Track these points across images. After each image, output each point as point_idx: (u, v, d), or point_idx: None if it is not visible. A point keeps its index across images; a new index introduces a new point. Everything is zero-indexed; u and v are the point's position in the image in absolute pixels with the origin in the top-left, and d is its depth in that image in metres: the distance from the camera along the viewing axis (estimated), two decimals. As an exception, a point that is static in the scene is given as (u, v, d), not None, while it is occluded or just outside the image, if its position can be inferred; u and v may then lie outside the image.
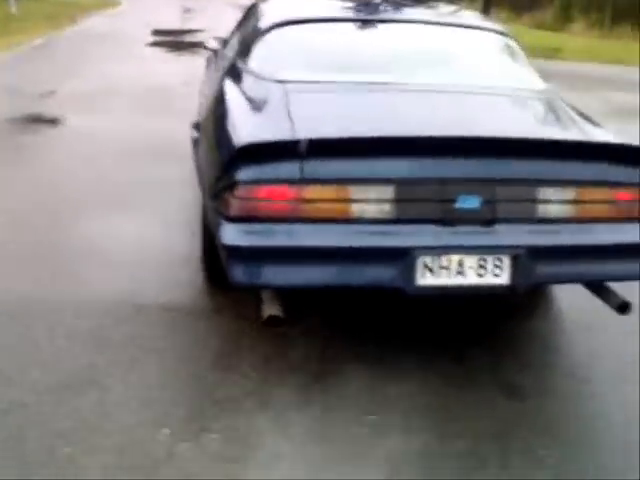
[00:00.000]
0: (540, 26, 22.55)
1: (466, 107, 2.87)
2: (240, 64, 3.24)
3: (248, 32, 3.59)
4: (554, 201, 2.42)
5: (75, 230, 3.80)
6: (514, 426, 2.38)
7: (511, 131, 2.53)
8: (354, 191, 2.29)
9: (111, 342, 2.74)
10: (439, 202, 2.32)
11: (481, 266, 2.36)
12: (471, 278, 2.36)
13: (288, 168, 2.24)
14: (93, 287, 3.18)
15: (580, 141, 2.55)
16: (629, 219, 2.49)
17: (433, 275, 2.34)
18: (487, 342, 2.94)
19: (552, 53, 14.09)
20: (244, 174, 2.26)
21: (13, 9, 16.68)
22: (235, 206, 2.26)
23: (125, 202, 4.25)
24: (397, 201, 2.30)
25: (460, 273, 2.35)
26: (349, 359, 2.72)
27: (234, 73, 3.23)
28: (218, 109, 2.98)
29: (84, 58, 10.51)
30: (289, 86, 2.83)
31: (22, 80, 8.51)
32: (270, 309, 2.36)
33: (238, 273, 2.31)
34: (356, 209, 2.30)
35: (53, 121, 6.40)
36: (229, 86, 3.16)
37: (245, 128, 2.57)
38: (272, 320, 2.33)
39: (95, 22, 17.12)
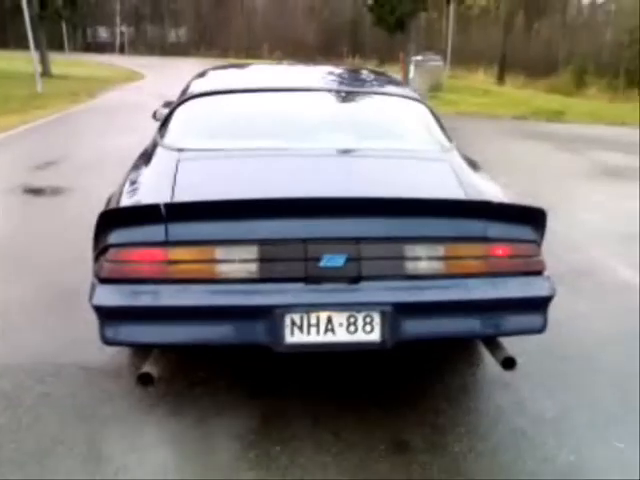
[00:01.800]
0: (555, 90, 22.85)
1: (347, 170, 2.94)
2: (156, 134, 3.39)
3: (170, 105, 3.78)
4: (422, 258, 2.44)
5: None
6: None
7: (378, 191, 2.58)
8: (219, 252, 2.36)
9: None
10: (303, 261, 2.36)
11: (351, 323, 2.37)
12: (342, 335, 2.38)
13: (154, 231, 2.34)
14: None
15: (447, 199, 2.58)
16: (505, 274, 2.50)
17: (302, 333, 2.36)
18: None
19: (555, 116, 14.23)
20: (114, 238, 2.36)
21: (39, 87, 17.52)
22: (106, 268, 2.35)
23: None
24: (262, 260, 2.36)
25: (330, 330, 2.37)
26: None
27: (151, 144, 3.38)
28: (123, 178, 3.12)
29: (89, 131, 11.07)
30: (184, 154, 2.98)
31: (27, 152, 8.95)
32: (146, 367, 2.41)
33: (108, 332, 2.39)
34: (222, 269, 2.36)
35: (40, 190, 6.66)
36: (140, 156, 3.36)
37: (127, 195, 2.73)
38: (144, 377, 2.38)
39: (113, 96, 17.92)
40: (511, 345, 2.66)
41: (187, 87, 3.87)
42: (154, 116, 4.55)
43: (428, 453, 2.54)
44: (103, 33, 56.55)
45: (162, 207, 2.31)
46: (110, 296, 2.34)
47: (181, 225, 2.35)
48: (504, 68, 26.34)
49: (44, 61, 23.18)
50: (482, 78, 27.16)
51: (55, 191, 6.64)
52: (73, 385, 2.97)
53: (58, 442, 2.56)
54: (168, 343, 2.45)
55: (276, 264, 2.37)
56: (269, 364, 3.08)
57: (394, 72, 24.88)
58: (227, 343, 2.47)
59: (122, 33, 54.07)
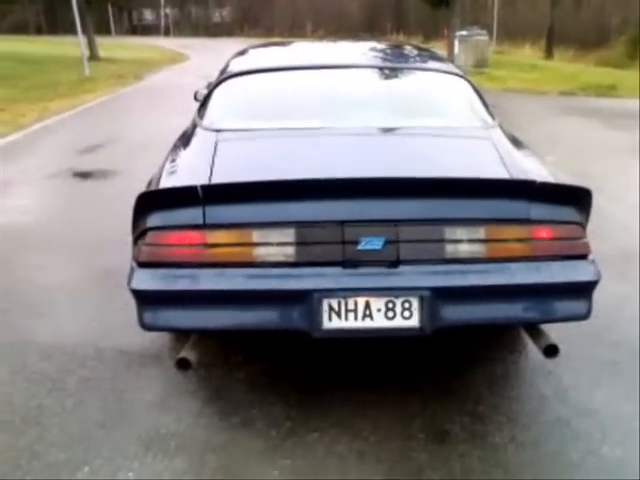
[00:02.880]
0: (607, 63, 22.12)
1: (386, 149, 2.90)
2: (195, 115, 3.39)
3: (209, 86, 3.76)
4: (462, 240, 2.37)
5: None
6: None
7: (417, 171, 2.52)
8: (256, 235, 2.34)
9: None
10: (341, 244, 2.32)
11: (389, 308, 2.34)
12: (380, 321, 2.34)
13: (192, 214, 2.33)
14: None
15: (487, 178, 2.50)
16: (548, 258, 2.42)
17: (340, 318, 2.33)
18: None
19: (606, 91, 13.78)
20: (152, 221, 2.36)
21: (86, 71, 17.83)
22: (144, 252, 2.36)
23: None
24: (299, 244, 2.33)
25: (368, 316, 2.34)
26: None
27: (191, 125, 3.38)
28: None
29: (135, 113, 11.25)
30: (222, 135, 2.97)
31: (75, 136, 9.14)
32: (184, 352, 2.42)
33: (147, 317, 2.40)
34: (259, 253, 2.34)
35: (88, 174, 6.79)
36: (180, 137, 3.34)
37: (166, 177, 2.72)
38: (182, 362, 2.39)
39: (158, 78, 18.15)
40: (554, 331, 2.59)
41: (226, 66, 3.85)
42: (195, 97, 4.55)
43: (468, 443, 2.50)
44: (148, 15, 56.97)
45: (199, 189, 2.29)
46: (148, 280, 2.34)
47: (218, 207, 2.34)
48: (552, 41, 25.53)
49: (91, 45, 23.52)
50: (529, 52, 26.45)
51: (102, 174, 6.74)
52: (113, 369, 3.01)
53: (100, 426, 2.60)
54: (206, 328, 2.45)
55: (313, 247, 2.34)
56: (307, 349, 3.06)
57: (439, 48, 24.51)
58: (264, 328, 2.46)
59: (167, 15, 54.32)
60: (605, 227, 4.72)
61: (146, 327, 2.42)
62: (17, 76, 16.49)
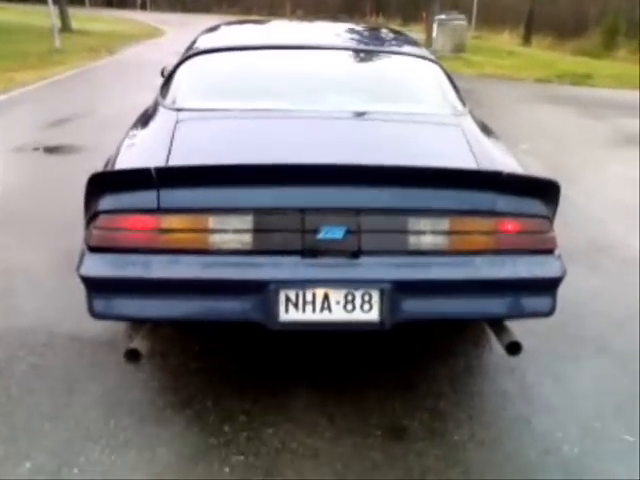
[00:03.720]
0: (583, 52, 22.19)
1: (352, 134, 2.80)
2: (158, 94, 3.25)
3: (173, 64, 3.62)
4: (426, 232, 2.29)
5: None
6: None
7: (383, 158, 2.43)
8: (212, 221, 2.23)
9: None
10: (301, 233, 2.23)
11: (349, 301, 2.25)
12: (338, 314, 2.25)
13: (145, 198, 2.21)
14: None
15: (453, 168, 2.40)
16: (514, 251, 2.35)
17: (297, 310, 2.24)
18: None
19: (581, 79, 13.81)
20: (104, 204, 2.24)
21: (57, 43, 17.37)
22: (95, 236, 2.24)
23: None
24: (256, 231, 2.23)
25: (326, 308, 2.25)
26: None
27: (153, 103, 3.24)
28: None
29: (106, 87, 11.02)
30: (183, 114, 2.85)
31: (42, 109, 8.91)
32: (134, 342, 2.32)
33: (97, 305, 2.28)
34: (215, 240, 2.24)
35: (54, 148, 6.59)
36: (140, 116, 3.20)
37: (122, 157, 2.60)
38: (131, 354, 2.28)
39: (131, 52, 17.79)
40: (519, 325, 2.54)
41: (193, 43, 3.70)
42: (162, 74, 4.38)
43: (426, 440, 2.44)
44: (125, -12, 55.79)
45: (153, 171, 2.18)
46: (98, 266, 2.22)
47: (174, 191, 2.22)
48: (531, 29, 25.54)
49: (64, 16, 22.95)
50: (507, 39, 26.42)
51: (68, 149, 6.55)
52: (65, 357, 2.89)
53: (46, 418, 2.49)
54: (158, 318, 2.34)
55: (272, 235, 2.24)
56: (265, 340, 2.97)
57: (417, 32, 24.41)
58: (219, 319, 2.36)
59: (144, -12, 53.29)
60: (575, 217, 4.69)
61: (96, 315, 2.30)
62: (-16, 45, 16.03)
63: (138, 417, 2.51)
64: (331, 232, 2.23)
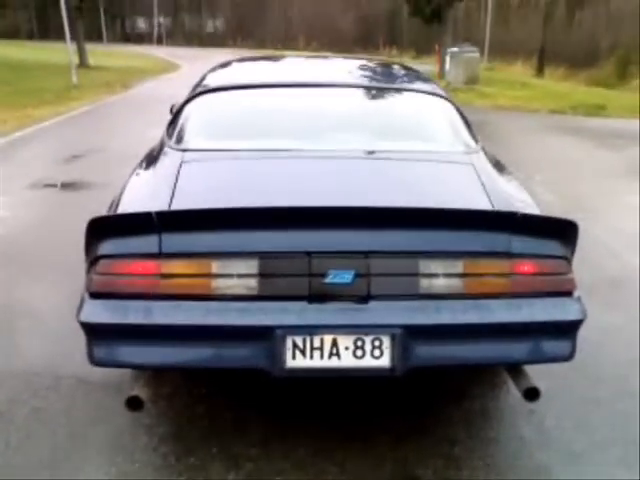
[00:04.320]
0: (597, 82, 22.17)
1: (362, 174, 2.73)
2: (164, 133, 3.21)
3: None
4: (438, 275, 2.21)
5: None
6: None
7: (393, 199, 2.37)
8: (215, 265, 2.17)
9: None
10: (308, 277, 2.16)
11: (358, 347, 2.16)
12: (347, 360, 2.17)
13: (147, 242, 2.15)
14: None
15: (465, 209, 2.32)
16: (531, 294, 2.25)
17: (304, 356, 2.16)
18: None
19: (595, 110, 13.73)
20: (104, 248, 2.18)
21: (74, 79, 17.64)
22: (96, 282, 2.18)
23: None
24: (262, 275, 2.16)
25: (335, 354, 2.17)
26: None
27: (158, 143, 3.20)
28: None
29: (120, 122, 11.10)
30: (188, 155, 2.80)
31: (56, 145, 9.00)
32: (135, 390, 2.24)
33: (96, 352, 2.21)
34: (218, 285, 2.17)
35: (66, 185, 6.60)
36: (145, 156, 3.17)
37: (125, 200, 2.56)
38: (133, 401, 2.20)
39: (147, 87, 17.96)
40: (537, 366, 2.45)
41: (201, 80, 3.67)
42: (171, 111, 4.34)
43: (440, 491, 2.33)
44: (141, 24, 56.97)
45: (154, 216, 2.13)
46: (99, 312, 2.16)
47: (175, 235, 2.17)
48: (544, 60, 25.58)
49: (81, 52, 23.38)
50: (520, 70, 26.47)
51: (80, 186, 6.55)
52: (69, 400, 2.82)
53: (44, 466, 2.41)
54: (159, 365, 2.26)
55: (277, 280, 2.17)
56: (273, 383, 2.87)
57: (430, 64, 24.52)
58: (223, 366, 2.29)
59: (160, 24, 54.30)
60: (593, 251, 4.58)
61: (96, 363, 2.23)
62: (3, 82, 16.28)
63: (140, 465, 2.42)
64: (339, 276, 2.15)
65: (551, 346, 2.30)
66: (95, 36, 40.44)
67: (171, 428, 2.66)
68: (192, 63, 27.87)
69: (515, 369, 2.41)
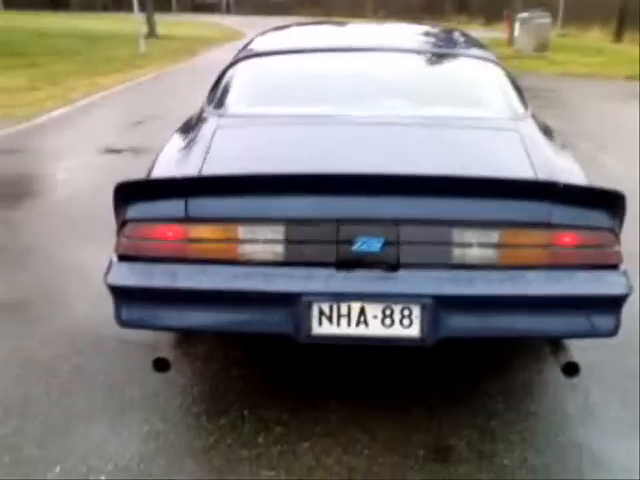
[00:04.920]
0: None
1: (403, 140, 2.63)
2: (205, 99, 3.19)
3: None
4: (472, 245, 2.12)
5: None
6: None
7: (428, 166, 2.27)
8: (242, 231, 2.14)
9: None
10: (335, 244, 2.10)
11: (387, 315, 2.10)
12: (376, 328, 2.11)
13: (174, 206, 2.15)
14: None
15: (499, 178, 2.19)
16: (572, 266, 2.14)
17: (331, 323, 2.11)
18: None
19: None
20: (131, 212, 2.19)
21: (142, 48, 17.93)
22: (123, 245, 2.20)
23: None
24: (289, 242, 2.12)
25: (363, 322, 2.11)
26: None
27: (199, 109, 3.18)
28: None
29: (183, 88, 11.15)
30: (223, 120, 2.79)
31: (120, 111, 9.21)
32: (162, 351, 2.26)
33: (123, 313, 2.23)
34: (244, 250, 2.15)
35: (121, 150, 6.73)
36: (186, 122, 3.16)
37: (159, 164, 2.56)
38: (159, 363, 2.22)
39: (212, 55, 18.02)
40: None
41: (246, 46, 3.62)
42: None
43: (472, 463, 2.25)
44: (210, -7, 57.13)
45: (180, 180, 2.12)
46: (126, 275, 2.18)
47: (202, 200, 2.16)
48: (623, 24, 24.35)
49: (150, 22, 23.67)
50: (598, 36, 25.32)
51: (141, 151, 6.64)
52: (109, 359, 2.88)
53: (81, 420, 2.46)
54: (185, 327, 2.27)
55: (304, 246, 2.13)
56: (308, 350, 2.85)
57: (500, 30, 23.70)
58: (248, 331, 2.28)
59: (228, -7, 54.42)
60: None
61: (122, 323, 2.26)
62: (75, 51, 16.73)
63: (172, 424, 2.45)
64: (368, 243, 2.10)
65: (593, 321, 2.18)
66: (165, 7, 40.89)
67: (205, 389, 2.68)
68: (258, 31, 27.80)
69: (556, 343, 2.31)
